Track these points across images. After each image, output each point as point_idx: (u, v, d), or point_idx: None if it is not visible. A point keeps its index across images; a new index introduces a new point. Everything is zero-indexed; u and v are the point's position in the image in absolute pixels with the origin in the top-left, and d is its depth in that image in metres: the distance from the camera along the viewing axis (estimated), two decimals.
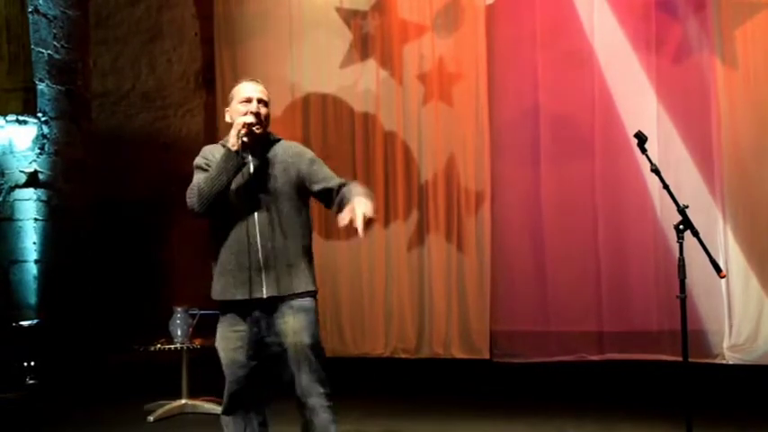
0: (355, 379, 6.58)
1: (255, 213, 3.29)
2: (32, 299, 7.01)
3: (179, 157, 8.67)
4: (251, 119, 3.28)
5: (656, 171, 3.72)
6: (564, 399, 6.03)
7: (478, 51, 7.71)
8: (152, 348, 5.67)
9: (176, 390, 5.73)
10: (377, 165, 7.93)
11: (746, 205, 7.17)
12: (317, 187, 3.38)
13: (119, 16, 8.68)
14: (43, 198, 7.13)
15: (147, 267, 8.21)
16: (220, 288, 3.37)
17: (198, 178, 3.34)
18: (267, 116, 3.40)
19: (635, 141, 3.81)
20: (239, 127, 3.25)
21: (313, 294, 3.38)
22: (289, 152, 3.43)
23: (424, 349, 7.69)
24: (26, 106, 7.01)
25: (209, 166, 3.32)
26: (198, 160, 3.41)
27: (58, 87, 7.29)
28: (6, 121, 7.02)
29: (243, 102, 3.36)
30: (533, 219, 7.64)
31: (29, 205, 7.08)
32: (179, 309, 5.80)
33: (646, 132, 3.82)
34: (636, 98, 7.41)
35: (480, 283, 7.62)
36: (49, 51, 7.20)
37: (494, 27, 7.72)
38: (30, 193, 7.08)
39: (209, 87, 8.55)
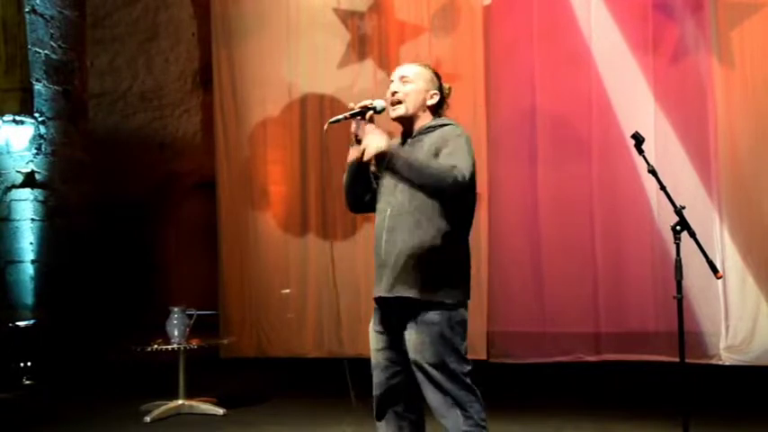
0: (353, 380, 6.58)
1: (389, 205, 3.06)
2: (29, 299, 7.00)
3: (176, 158, 8.69)
4: (363, 103, 3.09)
5: (652, 172, 3.72)
6: (561, 399, 6.03)
7: (475, 52, 7.71)
8: (149, 349, 5.66)
9: (173, 390, 5.72)
10: None
11: (743, 206, 7.17)
12: None
13: (116, 16, 8.68)
14: (40, 198, 7.13)
15: (144, 267, 8.20)
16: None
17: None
18: (409, 93, 3.12)
19: (632, 142, 3.80)
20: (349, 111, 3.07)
21: (440, 306, 2.97)
22: (436, 136, 3.06)
23: None
24: (23, 106, 7.00)
25: None
26: None
27: (55, 87, 7.29)
28: (3, 122, 7.02)
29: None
30: (530, 219, 7.63)
31: (26, 205, 7.07)
32: (176, 309, 5.79)
33: (643, 133, 3.81)
34: (633, 99, 7.41)
35: (477, 283, 7.60)
36: (46, 51, 7.20)
37: (491, 28, 7.72)
38: (27, 193, 7.08)
39: (207, 87, 8.55)
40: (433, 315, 2.96)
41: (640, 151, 3.77)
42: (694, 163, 7.28)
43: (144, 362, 6.30)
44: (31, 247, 7.04)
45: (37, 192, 7.11)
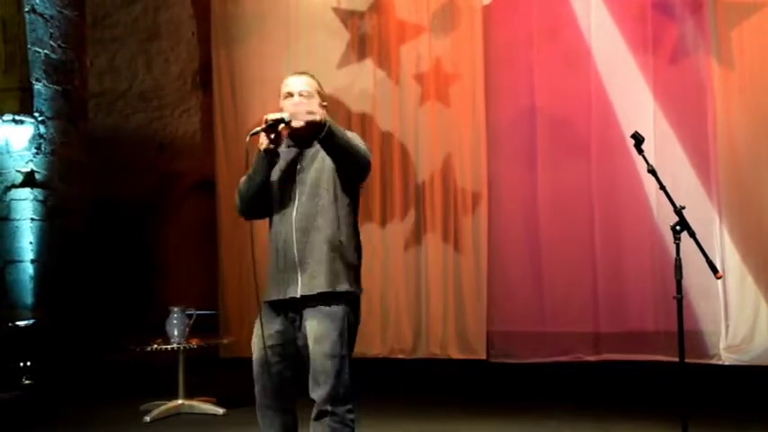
0: (352, 379, 6.57)
1: (292, 208, 3.22)
2: (28, 299, 6.99)
3: (176, 158, 8.68)
4: (275, 115, 3.18)
5: (652, 172, 3.73)
6: (560, 399, 6.03)
7: (475, 52, 7.71)
8: (148, 349, 5.66)
9: (173, 390, 5.72)
10: (373, 165, 7.82)
11: (742, 206, 7.18)
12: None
13: (116, 16, 8.67)
14: (40, 198, 7.12)
15: (143, 267, 8.20)
16: (267, 289, 3.36)
17: (241, 180, 3.33)
18: (316, 107, 3.29)
19: (632, 142, 3.81)
20: (262, 124, 3.17)
21: (342, 296, 3.22)
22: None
23: (421, 349, 7.69)
24: (23, 106, 6.99)
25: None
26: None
27: (55, 87, 7.28)
28: (3, 121, 7.01)
29: (285, 97, 3.31)
30: (530, 219, 7.64)
31: (25, 205, 7.06)
32: (175, 309, 5.79)
33: (642, 133, 3.82)
34: (632, 99, 7.42)
35: (477, 283, 7.62)
36: (45, 51, 7.19)
37: (491, 27, 7.73)
38: (26, 192, 7.07)
39: (206, 87, 8.55)
40: (338, 307, 3.20)
41: (640, 151, 3.78)
42: (693, 163, 7.29)
43: (143, 362, 6.30)
44: (30, 247, 7.03)
45: (36, 191, 7.10)
